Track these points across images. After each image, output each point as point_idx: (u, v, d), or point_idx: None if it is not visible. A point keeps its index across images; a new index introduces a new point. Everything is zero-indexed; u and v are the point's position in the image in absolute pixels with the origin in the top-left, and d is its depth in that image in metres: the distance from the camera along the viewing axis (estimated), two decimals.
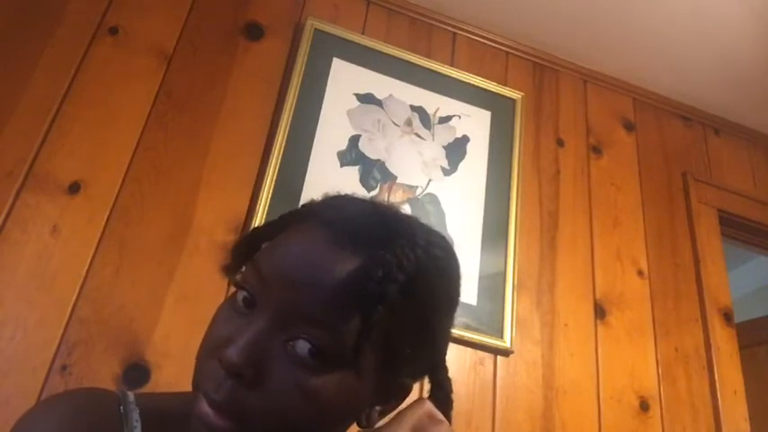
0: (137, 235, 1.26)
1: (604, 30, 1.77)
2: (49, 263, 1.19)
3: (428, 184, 1.54)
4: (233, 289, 0.52)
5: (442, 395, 0.57)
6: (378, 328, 0.48)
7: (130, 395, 0.58)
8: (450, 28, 1.79)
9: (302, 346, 0.47)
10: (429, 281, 0.52)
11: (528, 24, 1.79)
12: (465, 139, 1.63)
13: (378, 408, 0.54)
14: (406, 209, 1.48)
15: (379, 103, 1.59)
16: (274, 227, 0.56)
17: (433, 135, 1.61)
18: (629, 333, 1.55)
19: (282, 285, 0.48)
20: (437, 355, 0.57)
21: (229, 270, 0.55)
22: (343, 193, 0.59)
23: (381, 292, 0.48)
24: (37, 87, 1.32)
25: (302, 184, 1.41)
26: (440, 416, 0.51)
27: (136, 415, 0.56)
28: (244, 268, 0.54)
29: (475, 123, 1.66)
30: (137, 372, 1.15)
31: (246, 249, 0.55)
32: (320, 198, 0.59)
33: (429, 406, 0.51)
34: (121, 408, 0.56)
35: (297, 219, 0.55)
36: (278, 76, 1.54)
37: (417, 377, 0.57)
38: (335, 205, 0.56)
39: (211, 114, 1.44)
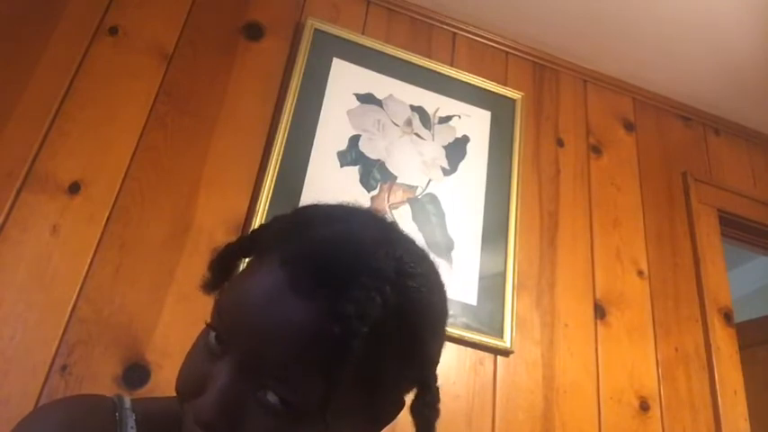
0: (137, 235, 1.26)
1: (604, 30, 1.77)
2: (49, 263, 1.19)
3: (428, 184, 1.54)
4: None
5: (429, 402, 0.54)
6: (345, 380, 0.45)
7: (127, 401, 0.58)
8: (450, 28, 1.79)
9: (272, 395, 0.46)
10: (404, 318, 0.48)
11: (528, 24, 1.79)
12: (465, 139, 1.63)
13: None
14: (406, 209, 1.48)
15: (379, 103, 1.59)
16: (247, 244, 0.54)
17: (432, 135, 1.61)
18: (629, 333, 1.55)
19: (243, 335, 0.47)
20: (426, 372, 0.55)
21: (208, 288, 0.54)
22: (314, 207, 0.55)
23: (342, 350, 0.44)
24: (37, 87, 1.32)
25: (302, 184, 1.41)
26: None
27: (132, 421, 0.56)
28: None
29: (475, 123, 1.66)
30: (137, 372, 1.15)
31: (221, 268, 0.54)
32: (288, 217, 0.55)
33: None
34: (117, 414, 0.56)
35: (262, 245, 0.52)
36: (278, 76, 1.54)
37: (406, 393, 0.54)
38: (296, 236, 0.50)
39: (211, 114, 1.43)
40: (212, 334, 0.49)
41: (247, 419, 0.46)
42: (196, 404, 0.47)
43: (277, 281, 0.47)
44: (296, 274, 0.47)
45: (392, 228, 0.56)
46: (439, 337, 0.54)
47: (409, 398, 0.55)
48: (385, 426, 0.55)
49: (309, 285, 0.46)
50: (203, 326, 0.52)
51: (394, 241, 0.53)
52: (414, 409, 0.54)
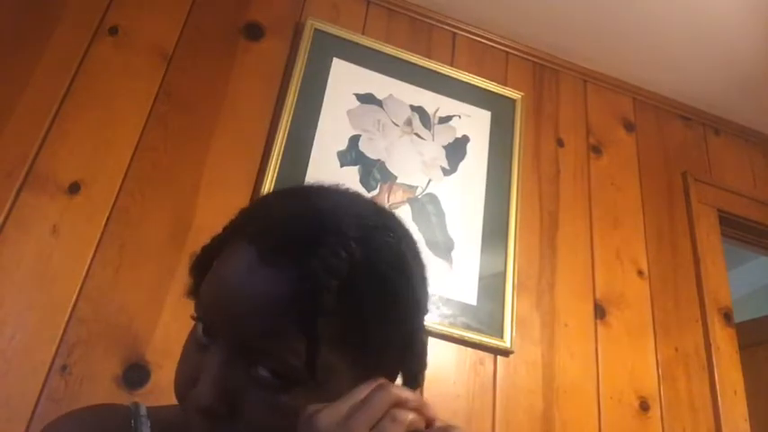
0: (137, 235, 1.26)
1: (604, 30, 1.77)
2: (49, 263, 1.19)
3: (428, 184, 1.54)
4: None
5: (416, 353, 0.54)
6: (328, 337, 0.46)
7: (143, 408, 0.59)
8: (450, 28, 1.79)
9: (263, 369, 0.47)
10: (374, 269, 0.49)
11: (528, 24, 1.79)
12: (465, 139, 1.63)
13: None
14: (406, 209, 1.48)
15: (379, 103, 1.59)
16: (219, 241, 0.55)
17: (432, 135, 1.61)
18: (629, 333, 1.55)
19: (223, 318, 0.48)
20: (415, 325, 0.54)
21: (193, 293, 0.54)
22: (274, 192, 0.57)
23: (315, 306, 0.46)
24: (37, 87, 1.32)
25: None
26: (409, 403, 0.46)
27: (146, 428, 0.56)
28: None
29: (475, 123, 1.66)
30: (137, 372, 1.15)
31: (200, 269, 0.54)
32: (251, 205, 0.57)
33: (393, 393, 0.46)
34: (132, 422, 0.57)
35: (231, 234, 0.53)
36: (278, 76, 1.54)
37: (398, 352, 0.53)
38: (260, 214, 0.54)
39: (211, 114, 1.43)
40: (199, 326, 0.50)
41: (245, 398, 0.47)
42: (192, 393, 0.47)
43: (246, 259, 0.48)
44: (263, 249, 0.48)
45: (349, 192, 0.57)
46: (417, 286, 0.54)
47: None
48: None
49: (276, 254, 0.47)
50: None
51: (354, 202, 0.55)
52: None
